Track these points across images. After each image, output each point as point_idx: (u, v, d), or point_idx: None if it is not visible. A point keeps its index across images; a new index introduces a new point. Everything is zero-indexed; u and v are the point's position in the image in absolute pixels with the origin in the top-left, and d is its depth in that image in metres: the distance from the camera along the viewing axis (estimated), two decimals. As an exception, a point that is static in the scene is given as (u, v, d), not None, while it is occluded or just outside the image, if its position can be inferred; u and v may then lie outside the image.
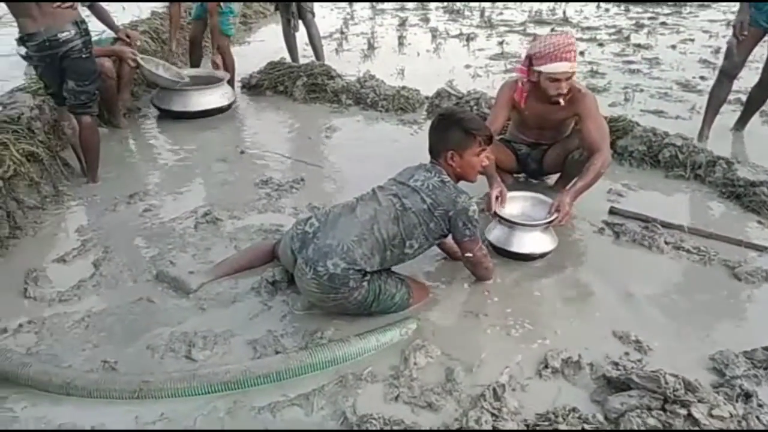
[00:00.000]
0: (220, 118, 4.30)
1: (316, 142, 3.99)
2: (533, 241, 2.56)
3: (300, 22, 5.22)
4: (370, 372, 1.95)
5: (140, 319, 2.22)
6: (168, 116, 4.28)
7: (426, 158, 2.35)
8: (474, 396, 1.85)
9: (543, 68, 2.66)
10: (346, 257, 2.04)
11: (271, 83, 4.80)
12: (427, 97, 4.51)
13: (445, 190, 2.19)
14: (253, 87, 4.84)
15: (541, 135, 3.07)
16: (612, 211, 2.97)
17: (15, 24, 3.00)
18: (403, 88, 4.56)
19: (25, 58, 3.13)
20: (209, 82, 4.38)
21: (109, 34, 4.31)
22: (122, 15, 6.77)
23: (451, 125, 2.26)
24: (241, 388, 1.87)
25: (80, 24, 3.01)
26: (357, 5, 8.72)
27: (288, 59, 5.19)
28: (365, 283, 2.09)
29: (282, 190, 3.25)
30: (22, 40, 2.99)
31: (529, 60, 2.74)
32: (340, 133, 4.10)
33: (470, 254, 2.28)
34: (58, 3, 2.89)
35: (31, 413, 1.81)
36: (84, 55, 3.05)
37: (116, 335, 2.14)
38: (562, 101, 2.72)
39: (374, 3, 8.72)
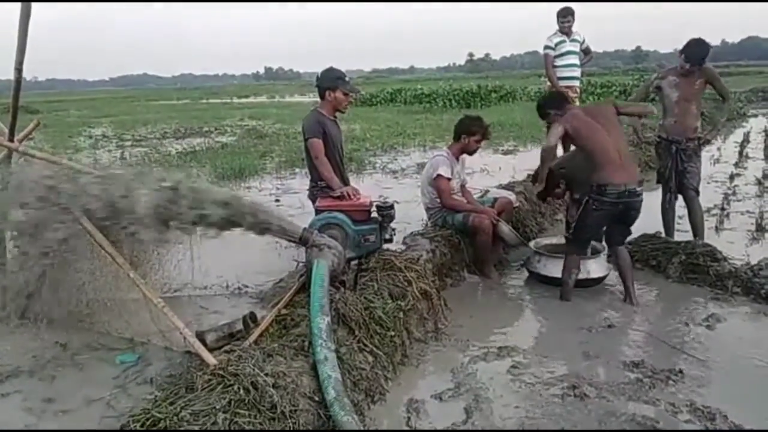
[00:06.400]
0: (587, 288, 4.23)
1: (694, 329, 3.57)
2: None
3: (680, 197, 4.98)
4: None
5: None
6: (535, 278, 4.43)
7: None
8: None
9: None
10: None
11: (643, 256, 4.60)
12: None
13: None
14: (622, 258, 4.71)
15: None
16: None
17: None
18: (814, 285, 3.80)
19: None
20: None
21: (492, 194, 4.94)
22: (498, 175, 7.68)
23: None
24: None
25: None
26: (738, 180, 7.92)
27: (662, 233, 4.94)
28: None
29: (656, 379, 2.94)
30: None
31: None
32: (725, 325, 3.59)
33: None
34: None
35: None
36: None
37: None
38: None
39: (762, 180, 7.79)
